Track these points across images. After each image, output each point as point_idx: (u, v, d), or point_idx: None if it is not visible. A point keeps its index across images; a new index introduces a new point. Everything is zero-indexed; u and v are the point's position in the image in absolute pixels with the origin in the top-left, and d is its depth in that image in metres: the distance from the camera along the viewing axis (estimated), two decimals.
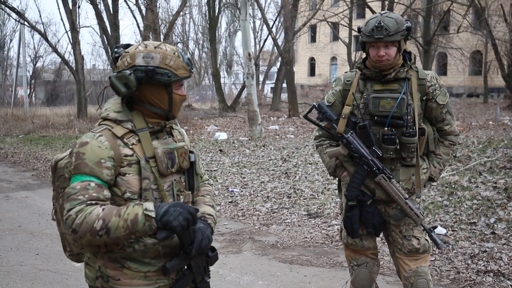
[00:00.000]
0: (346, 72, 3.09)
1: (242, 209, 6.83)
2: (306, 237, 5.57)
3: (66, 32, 23.38)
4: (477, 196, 6.38)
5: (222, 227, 6.01)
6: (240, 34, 23.88)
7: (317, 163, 9.36)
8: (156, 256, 1.93)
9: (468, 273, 4.28)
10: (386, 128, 2.82)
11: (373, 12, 17.29)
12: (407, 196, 2.83)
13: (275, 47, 26.07)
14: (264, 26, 30.94)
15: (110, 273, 1.90)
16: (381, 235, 3.10)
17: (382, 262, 4.56)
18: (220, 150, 11.86)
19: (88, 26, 29.45)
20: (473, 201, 6.18)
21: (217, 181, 8.45)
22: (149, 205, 1.75)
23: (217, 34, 31.03)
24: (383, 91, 2.84)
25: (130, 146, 1.88)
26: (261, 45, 31.39)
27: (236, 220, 6.40)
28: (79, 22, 21.53)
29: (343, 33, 30.73)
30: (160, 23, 20.36)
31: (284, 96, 26.50)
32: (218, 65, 29.80)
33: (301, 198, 7.12)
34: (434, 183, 6.87)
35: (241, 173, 9.03)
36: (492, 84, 29.85)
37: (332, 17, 23.42)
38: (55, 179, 2.06)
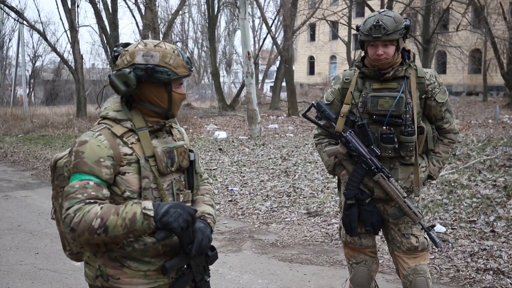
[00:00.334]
0: (345, 70, 3.08)
1: (242, 208, 6.83)
2: (305, 236, 5.57)
3: (65, 31, 23.40)
4: (476, 194, 6.39)
5: (221, 226, 6.01)
6: (239, 33, 23.89)
7: (316, 162, 9.36)
8: (156, 255, 1.93)
9: (468, 271, 4.28)
10: (384, 127, 2.82)
11: (372, 10, 17.29)
12: (406, 195, 2.83)
13: (274, 46, 26.07)
14: (264, 25, 30.96)
15: (110, 272, 1.90)
16: (380, 233, 3.11)
17: (382, 261, 4.56)
18: (220, 149, 11.86)
19: (87, 25, 29.56)
20: (473, 199, 6.19)
21: (216, 180, 8.45)
22: (148, 204, 1.74)
23: (216, 33, 31.00)
24: (382, 90, 2.84)
25: (130, 145, 1.88)
26: (261, 44, 31.44)
27: (236, 219, 6.40)
28: (78, 21, 21.52)
29: (343, 31, 30.74)
30: (159, 22, 20.33)
31: (283, 95, 26.50)
32: (218, 64, 29.79)
33: (300, 197, 7.12)
34: (434, 181, 6.87)
35: (241, 172, 9.03)
36: (491, 82, 29.85)
37: (331, 15, 23.41)
38: (54, 178, 2.06)
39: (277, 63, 25.89)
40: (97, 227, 1.71)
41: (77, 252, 2.11)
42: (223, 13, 36.82)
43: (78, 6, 21.46)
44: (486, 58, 27.26)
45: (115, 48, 1.97)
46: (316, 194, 7.20)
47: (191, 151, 2.05)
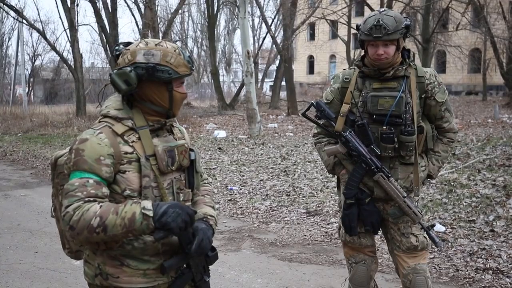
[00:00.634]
0: (344, 69, 3.07)
1: (241, 207, 6.83)
2: (305, 235, 5.57)
3: (65, 30, 23.39)
4: (476, 193, 6.39)
5: (221, 225, 6.01)
6: (239, 32, 23.87)
7: (316, 161, 9.36)
8: (155, 253, 1.93)
9: (467, 271, 4.28)
10: (384, 127, 2.81)
11: (371, 9, 17.27)
12: (406, 195, 2.83)
13: (274, 45, 26.05)
14: (263, 24, 30.98)
15: (109, 271, 1.90)
16: (380, 233, 3.11)
17: (381, 260, 4.56)
18: (219, 148, 11.86)
19: (86, 24, 29.57)
20: (472, 199, 6.19)
21: (216, 179, 8.45)
22: (147, 204, 1.74)
23: (216, 32, 30.97)
24: (382, 89, 2.83)
25: (130, 144, 1.88)
26: (260, 43, 31.37)
27: (235, 218, 6.40)
28: (77, 20, 21.52)
29: (342, 31, 30.72)
30: (159, 21, 20.33)
31: (283, 94, 26.50)
32: (217, 63, 29.79)
33: (300, 196, 7.12)
34: (433, 181, 6.88)
35: (240, 171, 9.03)
36: (491, 82, 29.83)
37: (331, 15, 23.41)
38: (54, 176, 2.06)
39: (277, 62, 25.88)
40: (96, 226, 1.71)
41: (76, 250, 2.11)
42: (223, 12, 36.85)
43: (77, 5, 21.47)
44: (485, 57, 27.26)
45: (116, 47, 1.98)
46: (315, 193, 7.20)
47: (191, 150, 2.04)
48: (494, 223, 5.32)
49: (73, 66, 20.66)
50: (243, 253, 5.12)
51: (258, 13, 29.20)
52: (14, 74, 31.40)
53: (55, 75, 36.60)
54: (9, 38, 36.75)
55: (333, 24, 30.77)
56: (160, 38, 18.00)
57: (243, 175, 8.69)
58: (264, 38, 30.26)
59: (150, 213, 1.72)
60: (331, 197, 6.90)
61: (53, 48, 22.82)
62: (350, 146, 2.82)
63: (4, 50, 36.91)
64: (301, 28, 24.77)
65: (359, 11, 34.27)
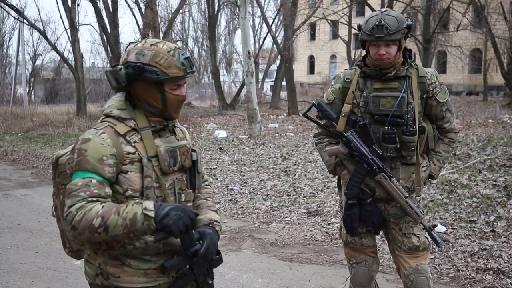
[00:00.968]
0: (345, 69, 3.07)
1: (242, 207, 6.83)
2: (305, 235, 5.57)
3: (65, 30, 23.43)
4: (476, 194, 6.39)
5: (221, 225, 6.00)
6: (239, 32, 23.88)
7: (316, 161, 9.36)
8: (156, 253, 1.93)
9: (468, 271, 4.28)
10: (386, 127, 2.81)
11: (372, 10, 17.27)
12: (407, 195, 2.82)
13: (274, 45, 26.06)
14: (264, 24, 30.98)
15: (110, 270, 1.90)
16: (380, 233, 3.10)
17: (382, 260, 4.56)
18: (220, 148, 11.86)
19: (87, 24, 29.56)
20: (473, 199, 6.18)
21: (216, 179, 8.45)
22: (149, 205, 1.74)
23: (216, 32, 30.96)
24: (383, 90, 2.83)
25: (133, 144, 1.88)
26: (261, 43, 31.45)
27: (236, 218, 6.40)
28: (78, 20, 21.52)
29: (343, 31, 30.71)
30: (159, 21, 20.33)
31: (283, 94, 26.49)
32: (218, 63, 29.77)
33: (300, 196, 7.12)
34: (434, 181, 6.87)
35: (241, 171, 9.03)
36: (491, 82, 29.83)
37: (332, 15, 23.41)
38: (55, 176, 2.06)
39: (277, 62, 25.88)
40: (98, 226, 1.71)
41: (77, 250, 2.11)
42: (223, 12, 36.83)
43: (78, 5, 21.44)
44: (486, 57, 27.26)
45: (130, 44, 2.01)
46: (316, 194, 7.20)
47: (193, 150, 2.04)
48: (495, 223, 5.31)
49: (73, 66, 20.66)
50: (243, 253, 5.12)
51: (259, 13, 29.21)
52: (15, 74, 31.41)
53: (56, 74, 36.60)
54: (10, 38, 36.79)
55: (334, 24, 30.79)
56: (161, 38, 18.02)
57: (244, 175, 8.69)
58: (265, 38, 30.28)
59: (152, 214, 1.72)
60: (332, 197, 6.90)
61: (54, 48, 22.83)
62: (352, 147, 2.82)
63: (4, 50, 36.94)
64: (302, 28, 24.80)
65: (360, 11, 34.28)
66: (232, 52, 41.07)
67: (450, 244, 4.86)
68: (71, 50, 22.50)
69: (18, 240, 5.61)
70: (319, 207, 6.53)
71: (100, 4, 20.54)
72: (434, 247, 4.52)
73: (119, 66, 1.86)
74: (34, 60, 36.79)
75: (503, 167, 7.82)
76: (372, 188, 2.89)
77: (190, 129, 15.89)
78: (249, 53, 14.08)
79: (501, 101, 24.88)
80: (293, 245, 5.28)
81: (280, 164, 9.53)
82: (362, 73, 2.91)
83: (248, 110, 14.35)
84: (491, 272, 4.21)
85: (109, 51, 21.22)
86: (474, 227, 5.28)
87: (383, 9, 2.82)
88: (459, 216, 5.64)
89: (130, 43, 1.98)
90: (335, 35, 35.67)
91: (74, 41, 20.27)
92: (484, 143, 10.31)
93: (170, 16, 25.09)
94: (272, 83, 28.64)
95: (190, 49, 40.23)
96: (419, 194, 2.94)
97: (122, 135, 1.88)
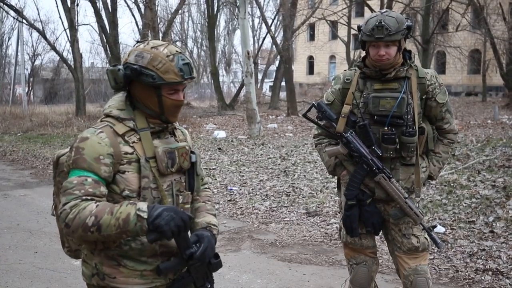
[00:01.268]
0: (345, 70, 3.07)
1: (241, 207, 6.83)
2: (305, 236, 5.57)
3: (65, 30, 23.37)
4: (476, 194, 6.39)
5: (221, 225, 6.01)
6: (239, 32, 23.90)
7: (316, 162, 9.36)
8: (153, 255, 1.92)
9: (467, 272, 4.28)
10: (386, 128, 2.81)
11: (372, 10, 17.29)
12: (407, 196, 2.83)
13: (274, 46, 26.06)
14: (263, 25, 30.97)
15: (106, 271, 1.90)
16: (380, 234, 3.10)
17: (381, 261, 4.56)
18: (219, 149, 11.86)
19: (86, 24, 29.56)
20: (472, 200, 6.19)
21: (216, 179, 8.45)
22: (143, 206, 1.73)
23: (216, 32, 30.96)
24: (383, 90, 2.83)
25: (131, 144, 1.88)
26: (260, 43, 31.40)
27: (235, 218, 6.40)
28: (77, 20, 21.51)
29: (342, 31, 30.72)
30: (159, 21, 20.33)
31: (282, 94, 26.49)
32: (217, 64, 29.78)
33: (300, 197, 7.12)
34: (433, 182, 6.87)
35: (240, 172, 9.03)
36: (490, 82, 29.83)
37: (331, 15, 23.42)
38: (56, 175, 2.07)
39: (277, 62, 25.89)
40: (91, 225, 1.71)
41: (76, 249, 2.11)
42: (223, 12, 36.85)
43: (77, 5, 21.46)
44: (485, 58, 27.28)
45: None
46: (315, 194, 7.20)
47: (193, 152, 2.04)
48: (494, 224, 5.32)
49: (73, 66, 20.65)
50: (242, 253, 5.12)
51: (258, 13, 29.24)
52: (14, 74, 31.40)
53: (55, 75, 36.58)
54: (9, 38, 36.72)
55: (333, 25, 30.79)
56: (160, 38, 18.02)
57: (243, 176, 8.69)
58: (264, 38, 30.30)
59: (145, 215, 1.71)
60: (331, 198, 6.90)
61: (53, 48, 22.82)
62: (352, 147, 2.82)
63: (4, 50, 36.87)
64: (301, 28, 24.80)
65: (359, 11, 34.28)
66: (231, 53, 41.08)
67: (449, 245, 4.86)
68: (70, 50, 22.52)
69: (17, 241, 5.60)
70: (318, 207, 6.53)
71: (100, 4, 20.54)
72: (434, 247, 4.52)
73: (119, 67, 1.87)
74: (33, 60, 36.79)
75: (502, 168, 7.83)
76: (372, 189, 2.89)
77: (189, 130, 15.88)
78: (248, 53, 14.09)
79: (500, 101, 24.91)
80: (292, 246, 5.28)
81: (279, 164, 9.53)
82: (362, 74, 2.91)
83: (247, 110, 14.35)
84: (490, 272, 4.22)
85: (108, 51, 21.22)
86: (473, 227, 5.29)
87: (383, 10, 2.82)
88: (458, 216, 5.64)
89: (137, 41, 1.98)
90: (334, 36, 35.67)
91: (73, 41, 20.27)
92: (483, 143, 10.32)
93: (170, 16, 25.13)
94: (271, 84, 28.64)
95: (189, 49, 40.23)
96: (419, 194, 2.94)
97: (120, 135, 1.88)
